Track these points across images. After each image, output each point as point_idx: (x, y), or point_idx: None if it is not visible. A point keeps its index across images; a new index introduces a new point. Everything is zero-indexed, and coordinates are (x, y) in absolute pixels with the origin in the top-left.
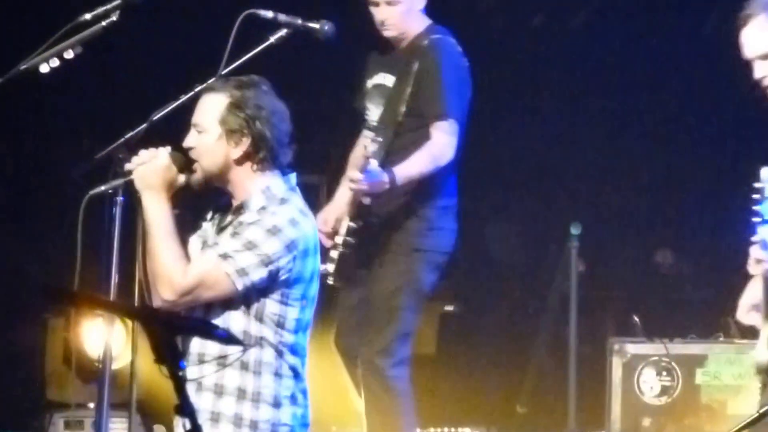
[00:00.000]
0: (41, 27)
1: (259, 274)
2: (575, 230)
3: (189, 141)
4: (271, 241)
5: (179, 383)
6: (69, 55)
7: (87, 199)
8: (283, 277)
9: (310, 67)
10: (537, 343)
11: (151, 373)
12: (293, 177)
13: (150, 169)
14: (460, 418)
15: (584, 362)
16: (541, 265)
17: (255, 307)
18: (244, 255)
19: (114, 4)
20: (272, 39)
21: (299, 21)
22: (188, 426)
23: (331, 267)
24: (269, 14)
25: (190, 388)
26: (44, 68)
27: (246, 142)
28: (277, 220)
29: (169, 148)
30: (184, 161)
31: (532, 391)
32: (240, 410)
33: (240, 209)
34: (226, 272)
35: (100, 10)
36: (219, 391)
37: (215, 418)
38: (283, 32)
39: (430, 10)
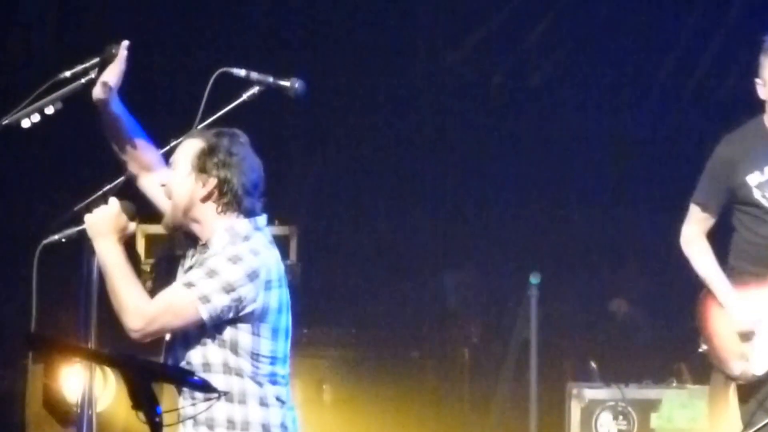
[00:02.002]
0: (21, 84)
1: (221, 301)
2: (534, 279)
3: (162, 177)
4: (232, 269)
5: (155, 428)
6: (50, 110)
7: (41, 248)
8: (249, 308)
9: (283, 121)
10: (498, 387)
11: (128, 416)
12: (261, 219)
13: (100, 217)
14: None
15: (544, 406)
16: (501, 312)
17: (228, 340)
18: (207, 282)
19: (92, 62)
20: (244, 96)
21: (270, 79)
22: None
23: None
24: (242, 72)
25: (188, 425)
26: (26, 123)
27: (212, 183)
28: (238, 251)
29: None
30: (134, 210)
31: None
32: None
33: (204, 247)
34: (190, 299)
35: (79, 67)
36: (210, 424)
37: None
38: (255, 89)
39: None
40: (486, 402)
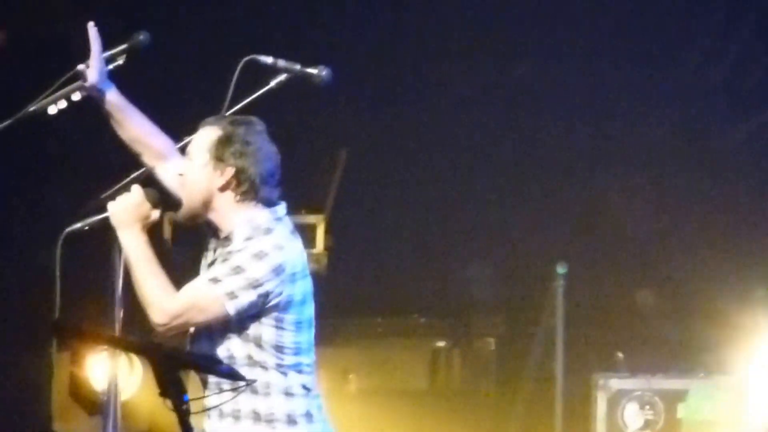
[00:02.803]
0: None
1: (248, 297)
2: (561, 269)
3: (179, 167)
4: (258, 265)
5: (182, 416)
6: (76, 97)
7: (64, 237)
8: (273, 302)
9: (309, 110)
10: (524, 378)
11: (155, 404)
12: (281, 208)
13: (123, 206)
14: None
15: (570, 397)
16: (527, 302)
17: (251, 334)
18: (233, 278)
19: (120, 48)
20: (272, 84)
21: (298, 66)
22: None
23: None
24: (269, 60)
25: (214, 416)
26: (52, 110)
27: (229, 173)
28: (262, 246)
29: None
30: (158, 197)
31: (519, 424)
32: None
33: (226, 240)
34: (216, 295)
35: (107, 53)
36: (236, 415)
37: None
38: (282, 77)
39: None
40: (512, 392)
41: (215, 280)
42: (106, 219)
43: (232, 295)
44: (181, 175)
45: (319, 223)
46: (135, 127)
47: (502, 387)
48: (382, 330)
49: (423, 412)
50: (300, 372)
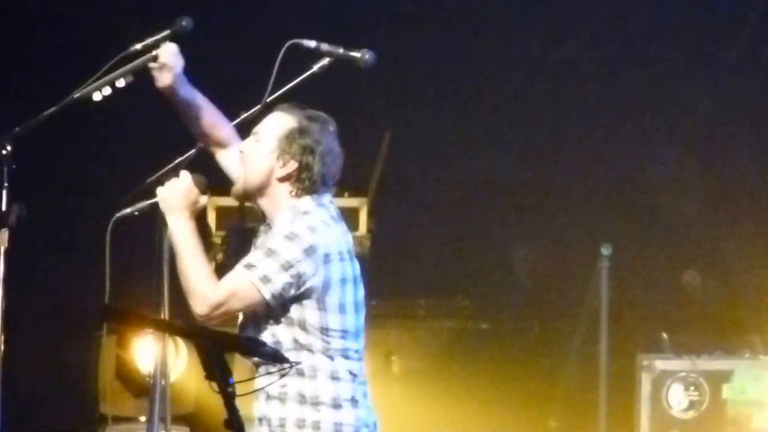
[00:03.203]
0: (93, 56)
1: (282, 280)
2: (605, 251)
3: (244, 145)
4: (289, 247)
5: (228, 399)
6: (121, 83)
7: (113, 222)
8: (309, 283)
9: (352, 92)
10: (568, 359)
11: (199, 387)
12: (326, 197)
13: (172, 191)
14: None
15: (614, 378)
16: (571, 284)
17: (295, 317)
18: (266, 262)
19: (163, 34)
20: (315, 68)
21: (341, 50)
22: None
23: None
24: (312, 44)
25: (261, 398)
26: (97, 96)
27: (293, 166)
28: (294, 228)
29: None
30: (206, 183)
31: (563, 406)
32: (302, 414)
33: (268, 227)
34: (252, 281)
35: (150, 40)
36: (283, 398)
37: (282, 423)
38: (325, 61)
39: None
40: (556, 374)
41: (250, 266)
42: (155, 204)
43: (266, 279)
44: (242, 152)
45: (362, 206)
46: (203, 119)
47: (546, 369)
48: (425, 312)
49: (466, 394)
50: (347, 357)
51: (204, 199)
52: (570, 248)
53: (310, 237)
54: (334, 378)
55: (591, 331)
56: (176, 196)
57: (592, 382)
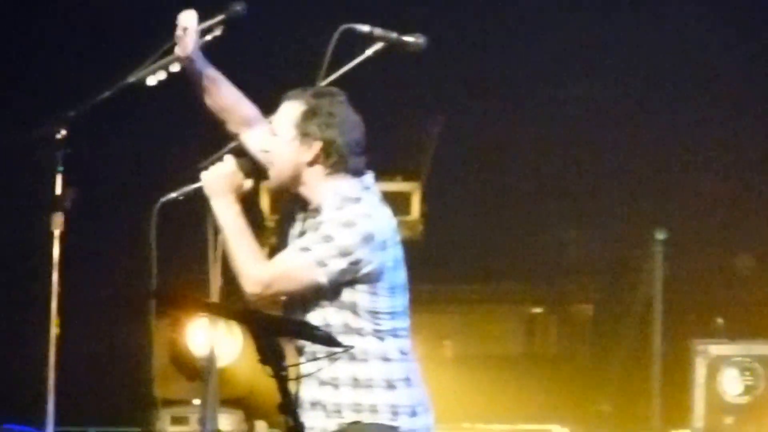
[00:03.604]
0: (148, 41)
1: (338, 265)
2: (660, 235)
3: (264, 144)
4: (348, 234)
5: (282, 383)
6: (175, 68)
7: (159, 206)
8: (366, 270)
9: (405, 76)
10: (621, 344)
11: (253, 370)
12: (368, 177)
13: (216, 175)
14: (548, 415)
15: (668, 362)
16: (625, 267)
17: (347, 301)
18: (323, 247)
19: (217, 19)
20: (368, 52)
21: (394, 35)
22: (291, 423)
23: None
24: (365, 29)
25: (313, 384)
26: (151, 81)
27: (317, 146)
28: (351, 215)
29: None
30: (251, 167)
31: (616, 391)
32: (357, 398)
33: (315, 211)
34: (307, 263)
35: (204, 24)
36: (335, 383)
37: (337, 409)
38: (378, 46)
39: None
40: (609, 359)
41: (306, 249)
42: (200, 188)
43: (322, 264)
44: (266, 152)
45: (414, 190)
46: (223, 95)
47: (599, 353)
48: (477, 296)
49: (518, 378)
50: (396, 336)
51: (248, 183)
52: (624, 232)
53: (368, 224)
54: (386, 359)
55: (645, 316)
56: (219, 180)
57: (645, 367)
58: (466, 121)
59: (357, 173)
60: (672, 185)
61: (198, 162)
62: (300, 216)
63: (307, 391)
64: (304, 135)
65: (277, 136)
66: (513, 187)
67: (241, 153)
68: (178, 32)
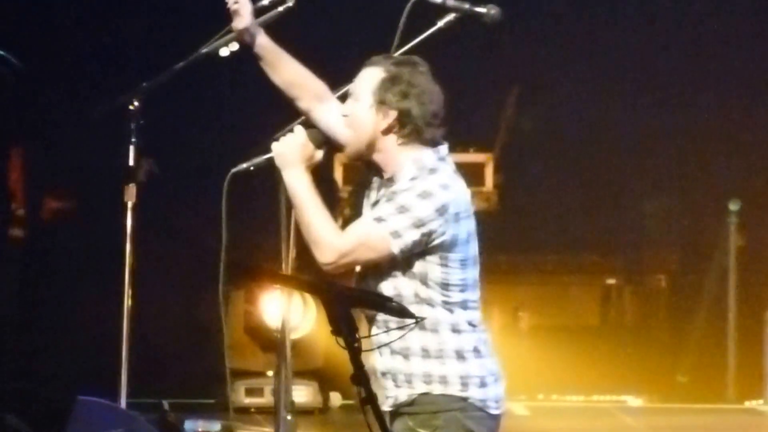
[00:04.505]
0: (221, 11)
1: (412, 237)
2: (734, 206)
3: (344, 108)
4: (423, 205)
5: (354, 354)
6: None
7: (230, 177)
8: (438, 241)
9: (480, 48)
10: (696, 315)
11: (328, 342)
12: (443, 148)
13: (287, 146)
14: (623, 387)
15: (742, 333)
16: (699, 238)
17: (418, 272)
18: (398, 218)
19: None
20: (441, 23)
21: (466, 5)
22: (363, 394)
23: None
24: (437, 0)
25: (384, 354)
26: (224, 52)
27: (393, 115)
28: (427, 186)
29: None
30: (322, 138)
31: (691, 361)
32: (428, 369)
33: (390, 181)
34: (382, 234)
35: None
36: (406, 353)
37: (408, 379)
38: (450, 17)
39: None
40: (683, 329)
41: (380, 220)
42: (271, 159)
43: (396, 234)
44: (345, 116)
45: (488, 161)
46: (289, 70)
47: (674, 323)
48: (553, 267)
49: (594, 348)
50: (466, 308)
51: (320, 154)
52: (699, 203)
53: (444, 195)
54: (455, 330)
55: (719, 287)
56: (291, 151)
57: (720, 338)
58: (541, 92)
59: (432, 143)
60: (746, 157)
61: (271, 131)
62: (375, 185)
63: (378, 361)
64: (381, 103)
65: (357, 102)
66: (587, 158)
67: (311, 125)
68: (231, 4)
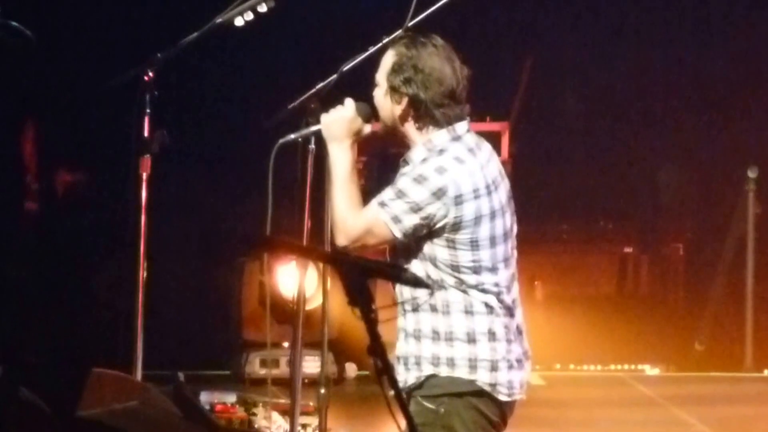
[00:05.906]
0: None
1: (411, 221)
2: (752, 173)
3: (374, 92)
4: (417, 189)
5: (371, 325)
6: (262, 8)
7: (277, 147)
8: (440, 224)
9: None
10: (714, 284)
11: (343, 313)
12: (460, 126)
13: (335, 120)
14: (640, 356)
15: (760, 301)
16: (716, 207)
17: (427, 253)
18: (396, 203)
19: None
20: None
21: None
22: (379, 365)
23: None
24: None
25: (401, 337)
26: (239, 22)
27: (405, 101)
28: (423, 170)
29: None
30: (370, 112)
31: (709, 329)
32: (436, 351)
33: (404, 162)
34: (384, 219)
35: None
36: (417, 335)
37: (417, 361)
38: None
39: None
40: (701, 298)
41: (383, 204)
42: (318, 131)
43: (396, 219)
44: (373, 98)
45: (503, 130)
46: None
47: (691, 292)
48: (568, 236)
49: (610, 317)
50: (483, 291)
51: (368, 128)
52: (717, 171)
53: (439, 179)
54: (468, 312)
55: (737, 255)
56: (339, 124)
57: (738, 306)
58: (556, 61)
59: (449, 123)
60: (764, 123)
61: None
62: (402, 162)
63: (397, 346)
64: (392, 89)
65: (378, 87)
66: (602, 127)
67: (359, 97)
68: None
